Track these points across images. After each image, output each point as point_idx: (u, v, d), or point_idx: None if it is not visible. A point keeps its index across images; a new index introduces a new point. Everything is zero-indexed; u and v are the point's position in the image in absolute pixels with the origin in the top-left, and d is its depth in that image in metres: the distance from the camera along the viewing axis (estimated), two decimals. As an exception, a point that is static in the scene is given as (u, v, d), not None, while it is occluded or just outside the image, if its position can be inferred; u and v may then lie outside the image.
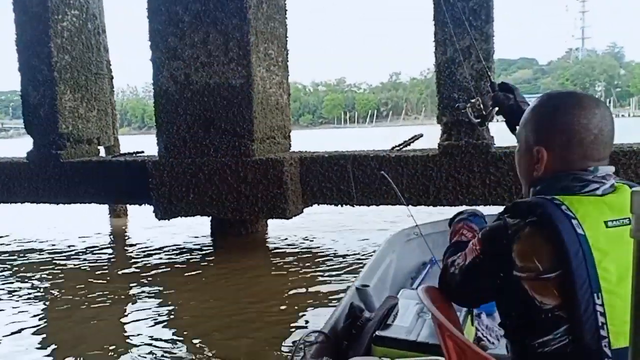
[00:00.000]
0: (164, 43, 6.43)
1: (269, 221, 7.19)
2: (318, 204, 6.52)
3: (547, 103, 1.31)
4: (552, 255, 1.12)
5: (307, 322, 4.03)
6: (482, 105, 2.11)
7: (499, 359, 1.21)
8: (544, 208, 1.15)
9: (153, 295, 4.86)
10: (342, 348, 2.20)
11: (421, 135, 6.71)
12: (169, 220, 6.60)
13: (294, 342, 2.68)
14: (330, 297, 4.52)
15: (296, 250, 6.35)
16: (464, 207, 5.89)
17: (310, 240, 6.86)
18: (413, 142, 6.58)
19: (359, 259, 5.73)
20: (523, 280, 1.15)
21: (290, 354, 2.04)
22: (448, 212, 5.80)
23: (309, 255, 6.10)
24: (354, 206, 6.27)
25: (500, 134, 5.96)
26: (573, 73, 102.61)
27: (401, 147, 6.46)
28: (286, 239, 6.91)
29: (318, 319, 3.75)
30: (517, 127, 1.41)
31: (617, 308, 1.09)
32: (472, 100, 2.15)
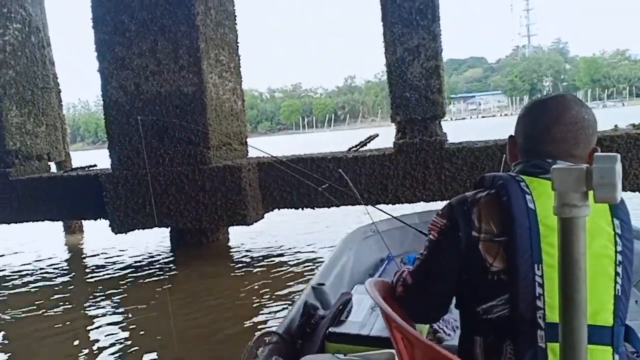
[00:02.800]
0: (111, 53, 6.28)
1: (230, 228, 7.10)
2: (279, 209, 6.48)
3: (530, 102, 1.45)
4: (504, 221, 1.20)
5: (273, 327, 3.99)
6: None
7: (452, 350, 1.21)
8: (504, 180, 1.24)
9: (113, 311, 4.72)
10: (296, 347, 2.18)
11: (377, 135, 6.77)
12: (126, 233, 6.44)
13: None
14: (296, 299, 4.49)
15: (258, 255, 6.29)
16: (422, 204, 5.96)
17: (273, 245, 6.81)
18: (369, 142, 6.63)
19: (322, 259, 5.72)
20: (480, 241, 1.22)
21: (242, 357, 1.99)
22: (407, 209, 5.86)
23: (271, 260, 6.05)
24: (314, 208, 6.27)
25: (452, 130, 6.10)
26: (521, 70, 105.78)
27: (358, 147, 6.50)
28: (248, 245, 6.84)
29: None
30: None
31: (556, 282, 1.11)
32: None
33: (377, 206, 5.89)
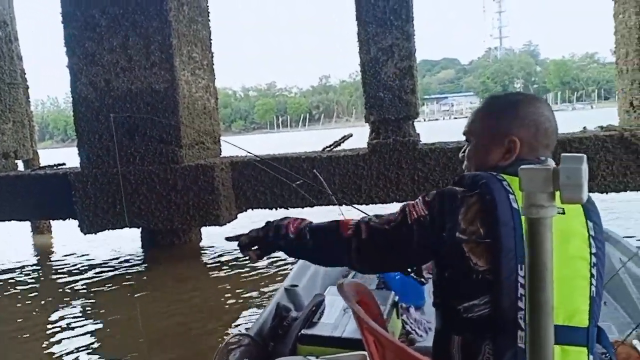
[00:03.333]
0: (81, 48, 6.16)
1: (203, 229, 7.02)
2: (252, 209, 6.43)
3: (507, 98, 1.42)
4: (489, 222, 1.18)
5: (245, 329, 3.96)
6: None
7: (424, 351, 1.21)
8: (486, 180, 1.22)
9: (82, 314, 4.62)
10: (268, 350, 2.16)
11: (351, 135, 6.77)
12: (95, 234, 6.33)
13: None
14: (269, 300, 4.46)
15: (231, 257, 6.23)
16: (395, 204, 6.01)
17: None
18: (343, 142, 6.63)
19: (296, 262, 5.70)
20: (464, 242, 1.19)
21: (213, 359, 1.96)
22: (380, 209, 5.88)
23: (244, 261, 6.00)
24: (288, 209, 6.24)
25: (425, 131, 6.15)
26: (493, 72, 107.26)
27: (332, 147, 6.50)
28: (220, 246, 6.78)
29: (255, 323, 3.69)
30: (468, 126, 1.46)
31: None
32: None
33: (353, 206, 5.94)
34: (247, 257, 1.55)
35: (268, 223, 1.50)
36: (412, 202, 1.31)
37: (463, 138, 1.47)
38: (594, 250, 1.21)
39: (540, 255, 0.72)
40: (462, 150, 1.49)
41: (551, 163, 1.31)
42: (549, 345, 0.74)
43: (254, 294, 4.77)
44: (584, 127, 6.00)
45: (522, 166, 0.75)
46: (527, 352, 0.75)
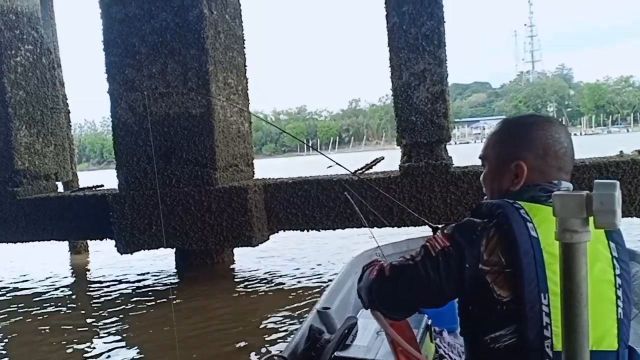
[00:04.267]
0: (121, 75, 6.38)
1: (235, 250, 7.11)
2: (284, 230, 6.49)
3: (518, 121, 1.40)
4: (510, 252, 1.18)
5: (279, 350, 3.99)
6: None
7: None
8: (503, 209, 1.22)
9: (118, 332, 4.72)
10: None
11: (382, 158, 6.80)
12: (131, 254, 6.46)
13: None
14: (301, 322, 4.49)
15: (263, 277, 6.29)
16: (427, 228, 6.00)
17: (277, 267, 6.81)
18: (375, 164, 6.66)
19: (327, 282, 5.72)
20: (487, 273, 1.19)
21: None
22: (412, 232, 5.87)
23: (276, 282, 6.05)
24: (319, 230, 6.28)
25: (456, 154, 6.14)
26: (525, 95, 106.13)
27: (364, 170, 6.53)
28: (253, 267, 6.85)
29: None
30: (483, 150, 1.46)
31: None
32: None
33: (382, 228, 5.95)
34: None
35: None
36: (432, 236, 1.31)
37: None
38: (618, 272, 1.21)
39: (575, 279, 0.75)
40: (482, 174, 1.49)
41: (568, 186, 1.31)
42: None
43: (286, 315, 4.80)
44: (621, 151, 5.90)
45: (556, 192, 0.78)
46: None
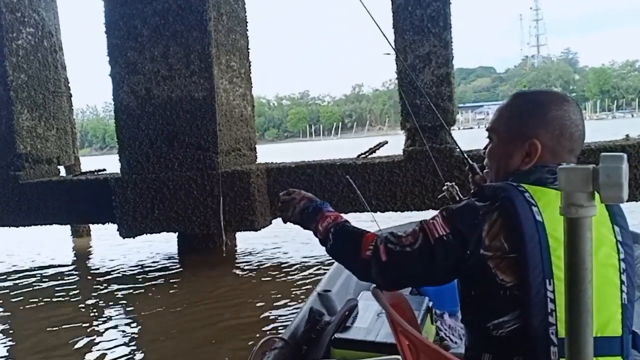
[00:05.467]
0: (123, 58, 6.34)
1: (238, 234, 7.11)
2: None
3: (536, 98, 1.33)
4: (513, 237, 1.14)
5: (279, 332, 4.00)
6: (457, 191, 2.19)
7: (459, 357, 1.21)
8: (507, 192, 1.18)
9: (121, 315, 4.74)
10: (301, 353, 2.18)
11: (386, 142, 6.78)
12: (134, 238, 6.48)
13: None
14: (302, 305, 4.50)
15: (265, 261, 6.30)
16: (431, 211, 5.99)
17: (280, 251, 6.82)
18: (378, 149, 6.64)
19: (329, 267, 5.72)
20: (489, 258, 1.16)
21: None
22: (415, 216, 5.86)
23: (279, 266, 6.06)
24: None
25: (460, 139, 6.10)
26: (530, 80, 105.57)
27: (367, 154, 6.51)
28: (255, 251, 6.86)
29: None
30: (492, 123, 1.40)
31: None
32: (447, 185, 2.20)
33: (385, 213, 5.94)
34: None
35: (306, 209, 1.52)
36: (431, 219, 1.26)
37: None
38: (622, 256, 1.19)
39: (580, 254, 0.73)
40: (485, 146, 1.43)
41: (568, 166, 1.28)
42: (590, 350, 0.74)
43: (288, 298, 4.81)
44: (627, 135, 5.86)
45: (562, 166, 0.76)
46: (567, 348, 0.76)
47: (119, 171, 6.55)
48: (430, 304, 2.47)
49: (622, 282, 1.17)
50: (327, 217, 1.45)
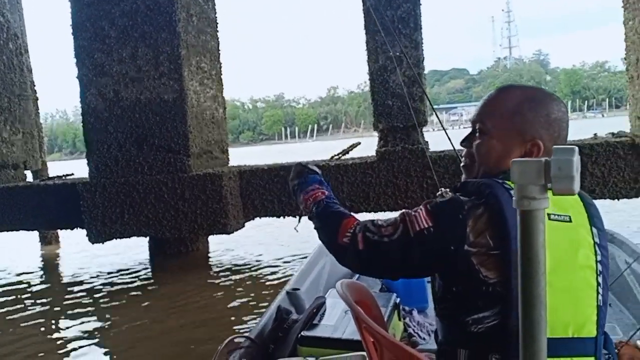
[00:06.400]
0: (91, 59, 6.23)
1: (210, 238, 7.03)
2: (260, 217, 6.44)
3: (537, 96, 1.30)
4: (498, 233, 1.13)
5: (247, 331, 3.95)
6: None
7: (428, 353, 1.19)
8: (492, 188, 1.16)
9: (91, 323, 4.63)
10: (268, 352, 2.15)
11: (359, 144, 6.69)
12: (103, 243, 6.35)
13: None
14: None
15: (240, 264, 6.24)
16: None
17: (254, 254, 6.76)
18: (351, 150, 6.61)
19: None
20: (473, 254, 1.14)
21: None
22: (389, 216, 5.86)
23: (253, 268, 6.01)
24: (296, 217, 6.23)
25: (434, 140, 6.14)
26: (502, 81, 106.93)
27: (340, 155, 6.46)
28: (228, 254, 6.79)
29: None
30: (482, 115, 1.33)
31: (547, 297, 1.09)
32: (442, 190, 2.18)
33: (358, 214, 5.93)
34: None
35: (297, 179, 1.53)
36: (413, 211, 1.23)
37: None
38: (599, 258, 1.18)
39: (533, 247, 0.72)
40: (465, 139, 1.37)
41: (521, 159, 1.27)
42: (543, 339, 0.73)
43: (263, 300, 4.76)
44: (595, 134, 5.95)
45: (515, 159, 0.75)
46: (520, 343, 0.74)
47: (87, 175, 6.41)
48: (398, 300, 2.46)
49: (598, 284, 1.17)
50: (313, 193, 1.44)
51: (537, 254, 0.71)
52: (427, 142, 6.01)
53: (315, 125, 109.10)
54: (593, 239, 1.19)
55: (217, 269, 6.10)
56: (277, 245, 7.13)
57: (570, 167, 0.69)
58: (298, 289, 2.80)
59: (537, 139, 1.24)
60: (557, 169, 0.69)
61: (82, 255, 7.35)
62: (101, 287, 5.73)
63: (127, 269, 6.40)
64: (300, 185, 1.50)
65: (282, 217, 6.29)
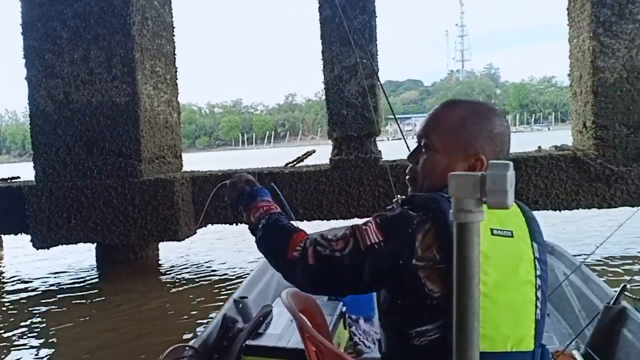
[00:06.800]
0: (41, 60, 6.06)
1: (161, 244, 6.91)
2: (212, 224, 6.37)
3: (479, 110, 1.32)
4: (445, 247, 1.13)
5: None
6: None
7: None
8: (438, 203, 1.17)
9: (35, 334, 4.44)
10: None
11: (313, 151, 6.80)
12: (48, 249, 6.15)
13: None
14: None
15: (190, 272, 6.14)
16: (356, 220, 6.05)
17: (205, 261, 6.68)
18: (306, 158, 6.65)
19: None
20: (420, 269, 1.14)
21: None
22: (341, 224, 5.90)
23: (204, 276, 5.93)
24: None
25: (389, 149, 6.24)
26: (455, 93, 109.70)
27: (294, 163, 6.51)
28: (179, 261, 6.68)
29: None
30: (427, 131, 1.35)
31: (490, 312, 1.11)
32: (398, 197, 2.20)
33: (312, 222, 5.95)
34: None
35: (241, 194, 1.50)
36: (363, 224, 1.22)
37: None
38: (539, 273, 1.20)
39: (468, 259, 0.74)
40: (411, 154, 1.39)
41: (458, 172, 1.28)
42: (476, 352, 0.76)
43: (211, 308, 4.70)
44: (539, 147, 6.18)
45: (452, 173, 0.77)
46: (454, 357, 0.77)
47: (33, 178, 6.20)
48: (344, 309, 2.48)
49: (537, 299, 1.19)
50: (260, 207, 1.41)
51: (472, 265, 0.74)
52: (380, 151, 6.10)
53: (273, 132, 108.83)
54: (533, 253, 1.21)
55: (167, 277, 5.99)
56: (228, 252, 7.06)
57: (504, 182, 0.72)
58: (246, 298, 2.79)
59: (480, 154, 1.25)
60: (492, 183, 0.72)
61: (26, 262, 7.07)
62: (44, 295, 5.53)
63: (73, 276, 6.20)
64: (250, 195, 1.48)
65: (234, 225, 6.25)
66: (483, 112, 1.32)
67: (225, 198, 1.54)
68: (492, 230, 1.16)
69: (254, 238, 1.39)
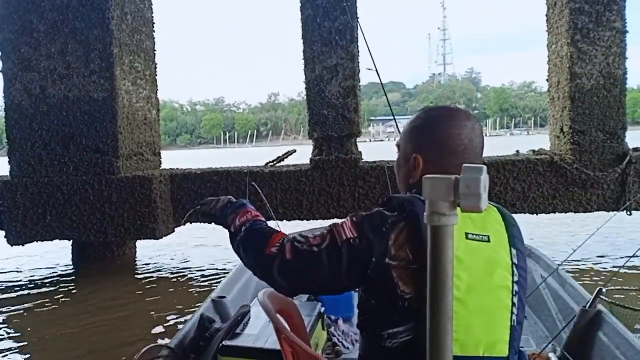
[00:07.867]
0: (17, 53, 5.94)
1: (138, 242, 6.83)
2: (190, 223, 6.30)
3: (424, 115, 1.39)
4: (417, 248, 1.14)
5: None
6: None
7: None
8: (413, 205, 1.18)
9: (7, 333, 4.36)
10: None
11: (294, 151, 6.78)
12: (23, 245, 6.03)
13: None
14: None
15: (167, 270, 6.08)
16: (335, 220, 6.07)
17: (182, 260, 6.62)
18: (287, 157, 6.63)
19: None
20: (393, 268, 1.15)
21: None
22: (321, 224, 5.90)
23: (181, 274, 5.87)
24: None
25: (371, 150, 6.25)
26: (436, 96, 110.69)
27: (275, 162, 6.48)
28: (156, 260, 6.61)
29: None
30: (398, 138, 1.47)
31: (461, 316, 1.11)
32: None
33: (292, 221, 5.93)
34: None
35: (229, 203, 1.54)
36: (340, 222, 1.25)
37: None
38: (516, 279, 1.21)
39: (441, 261, 0.74)
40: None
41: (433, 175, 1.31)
42: (449, 354, 0.75)
43: (188, 307, 4.66)
44: (517, 151, 6.24)
45: (427, 175, 0.77)
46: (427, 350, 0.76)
47: (7, 174, 6.08)
48: (323, 309, 2.47)
49: (513, 304, 1.19)
50: (248, 213, 1.45)
51: (445, 268, 0.74)
52: (360, 152, 6.11)
53: (255, 131, 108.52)
54: (512, 259, 1.21)
55: (144, 275, 5.92)
56: (207, 251, 7.00)
57: (478, 185, 0.72)
58: (224, 297, 2.76)
59: (417, 154, 1.33)
60: (465, 187, 0.72)
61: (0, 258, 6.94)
62: (18, 292, 5.43)
63: (48, 274, 6.10)
64: (241, 204, 1.51)
65: (212, 223, 6.19)
66: (427, 115, 1.39)
67: (208, 209, 1.60)
68: (466, 234, 1.17)
69: (230, 244, 1.42)
